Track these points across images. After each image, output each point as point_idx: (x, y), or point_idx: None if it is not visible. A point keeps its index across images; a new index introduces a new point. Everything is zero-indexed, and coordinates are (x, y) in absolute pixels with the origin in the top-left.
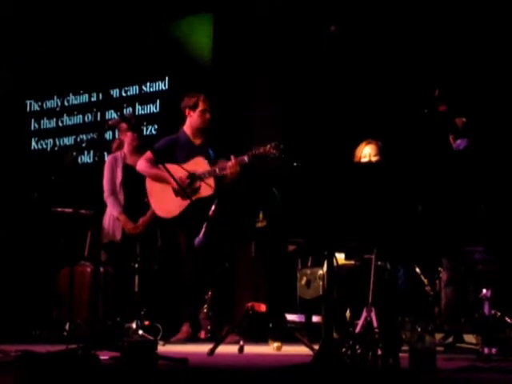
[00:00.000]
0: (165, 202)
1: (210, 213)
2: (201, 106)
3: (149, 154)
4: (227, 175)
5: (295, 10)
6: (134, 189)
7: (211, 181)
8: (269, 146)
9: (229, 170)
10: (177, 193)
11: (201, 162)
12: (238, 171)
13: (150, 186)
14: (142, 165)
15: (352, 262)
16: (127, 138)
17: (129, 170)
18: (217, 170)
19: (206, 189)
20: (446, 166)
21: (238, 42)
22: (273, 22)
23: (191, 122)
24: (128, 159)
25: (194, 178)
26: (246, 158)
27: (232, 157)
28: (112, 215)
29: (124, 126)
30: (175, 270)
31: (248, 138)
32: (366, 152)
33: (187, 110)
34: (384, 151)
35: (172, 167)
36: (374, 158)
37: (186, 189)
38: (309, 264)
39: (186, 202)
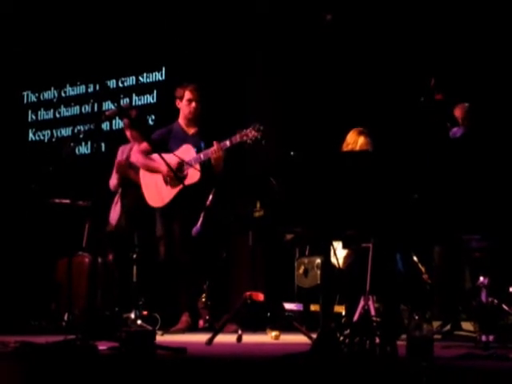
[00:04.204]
0: (156, 192)
1: (208, 202)
2: (186, 96)
3: (144, 145)
4: (212, 160)
5: None
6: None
7: (197, 167)
8: (250, 128)
9: (212, 155)
10: (167, 181)
11: (188, 149)
12: (221, 156)
13: (144, 177)
14: (136, 157)
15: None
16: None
17: None
18: (201, 156)
19: (193, 176)
20: (443, 154)
21: (235, 32)
22: (271, 7)
23: (181, 112)
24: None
25: (181, 165)
26: (227, 143)
27: (214, 142)
28: (119, 205)
29: (127, 121)
30: (172, 260)
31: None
32: (362, 142)
33: (177, 101)
34: (374, 141)
35: (160, 157)
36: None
37: (177, 174)
38: (306, 253)
39: (175, 190)
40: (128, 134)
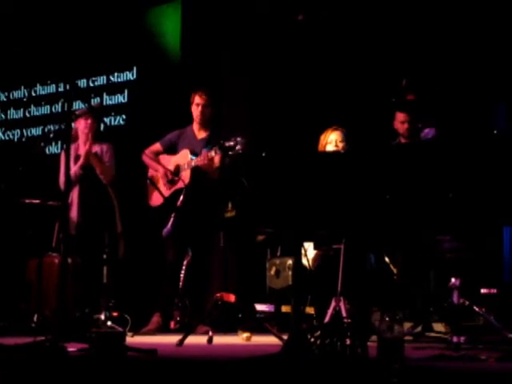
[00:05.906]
0: (155, 192)
1: (178, 203)
2: (195, 100)
3: (156, 145)
4: (201, 168)
5: None
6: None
7: (188, 172)
8: (235, 140)
9: (198, 163)
10: (164, 182)
11: (185, 154)
12: (206, 164)
13: (151, 175)
14: (144, 155)
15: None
16: (80, 126)
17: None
18: (192, 162)
19: (185, 180)
20: (414, 154)
21: (207, 31)
22: (242, 10)
23: (193, 116)
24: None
25: (178, 169)
26: (213, 153)
27: (203, 150)
28: (76, 204)
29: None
30: (142, 260)
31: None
32: (332, 138)
33: (191, 105)
34: (349, 138)
35: (164, 158)
36: (340, 145)
37: (169, 179)
38: (278, 254)
39: (170, 191)
40: (81, 123)
